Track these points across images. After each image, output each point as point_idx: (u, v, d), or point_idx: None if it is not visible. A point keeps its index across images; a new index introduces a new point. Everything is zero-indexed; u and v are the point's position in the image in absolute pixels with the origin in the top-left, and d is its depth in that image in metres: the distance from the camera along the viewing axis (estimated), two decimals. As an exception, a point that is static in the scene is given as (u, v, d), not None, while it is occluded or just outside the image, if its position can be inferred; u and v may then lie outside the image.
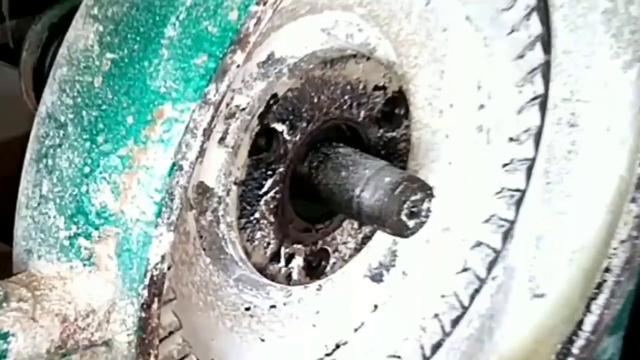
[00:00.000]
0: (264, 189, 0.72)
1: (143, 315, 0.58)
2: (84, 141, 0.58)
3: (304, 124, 0.73)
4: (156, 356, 0.61)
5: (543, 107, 0.91)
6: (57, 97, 0.60)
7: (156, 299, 0.59)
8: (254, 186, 0.71)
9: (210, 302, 0.77)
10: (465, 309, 0.93)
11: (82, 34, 0.60)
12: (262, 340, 0.82)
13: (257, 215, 0.72)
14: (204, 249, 0.74)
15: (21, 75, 0.87)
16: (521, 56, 0.87)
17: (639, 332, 1.05)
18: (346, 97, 0.75)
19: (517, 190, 0.92)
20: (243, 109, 0.70)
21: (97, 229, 0.58)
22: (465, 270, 0.93)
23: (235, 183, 0.70)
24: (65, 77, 0.60)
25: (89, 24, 0.60)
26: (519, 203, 0.91)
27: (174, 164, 0.57)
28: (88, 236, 0.58)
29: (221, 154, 0.70)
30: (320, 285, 0.84)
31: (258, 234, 0.73)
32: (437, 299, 0.92)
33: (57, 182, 0.59)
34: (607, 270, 0.91)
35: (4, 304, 0.56)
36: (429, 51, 0.83)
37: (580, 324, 0.92)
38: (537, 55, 0.88)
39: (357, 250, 0.80)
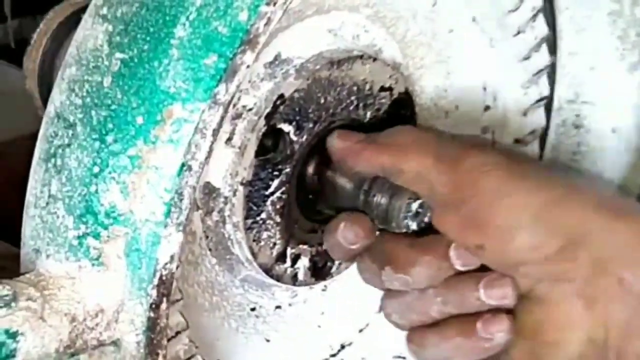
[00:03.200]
0: (271, 190, 0.72)
1: (152, 315, 0.58)
2: (93, 141, 0.58)
3: (311, 125, 0.73)
4: (164, 356, 0.60)
5: (548, 109, 0.91)
6: (66, 97, 0.60)
7: (165, 299, 0.59)
8: (260, 186, 0.71)
9: (216, 302, 0.77)
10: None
11: (91, 33, 0.60)
12: (267, 340, 0.82)
13: (263, 215, 0.72)
14: (210, 249, 0.74)
15: (26, 77, 0.87)
16: (527, 58, 0.88)
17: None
18: (352, 98, 0.75)
19: (522, 191, 0.92)
20: (250, 110, 0.70)
21: (106, 228, 0.58)
22: (470, 271, 0.93)
23: (241, 183, 0.70)
24: (74, 77, 0.60)
25: (98, 23, 0.60)
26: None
27: (183, 164, 0.57)
28: (97, 236, 0.58)
29: (228, 155, 0.70)
30: (325, 286, 0.84)
31: (264, 235, 0.73)
32: (442, 300, 0.92)
33: (66, 181, 0.59)
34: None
35: (13, 304, 0.56)
36: (435, 52, 0.83)
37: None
38: (542, 57, 0.88)
39: (363, 250, 0.80)
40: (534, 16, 0.85)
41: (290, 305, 0.82)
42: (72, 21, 0.85)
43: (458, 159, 0.70)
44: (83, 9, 0.63)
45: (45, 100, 0.64)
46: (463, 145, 0.71)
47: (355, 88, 0.75)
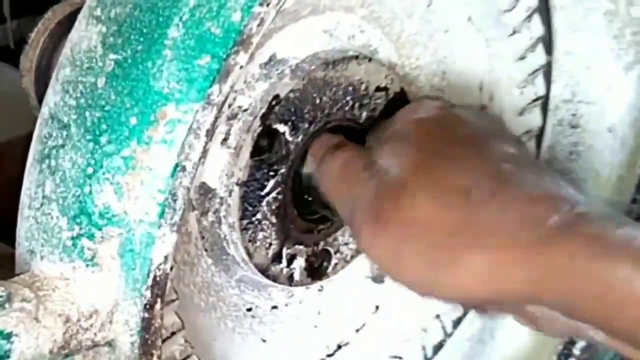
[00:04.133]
0: (266, 190, 0.72)
1: (146, 315, 0.58)
2: (87, 142, 0.58)
3: (306, 125, 0.73)
4: (159, 357, 0.60)
5: (544, 109, 0.91)
6: (60, 98, 0.60)
7: (159, 300, 0.58)
8: (255, 187, 0.71)
9: (212, 302, 0.77)
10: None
11: (85, 35, 0.60)
12: (264, 341, 0.82)
13: (259, 216, 0.72)
14: (206, 250, 0.74)
15: (23, 76, 0.87)
16: (523, 57, 0.88)
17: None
18: (348, 98, 0.75)
19: (519, 191, 0.92)
20: (245, 110, 0.70)
21: (100, 229, 0.58)
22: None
23: (237, 184, 0.70)
24: (68, 78, 0.60)
25: (92, 24, 0.60)
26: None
27: (177, 165, 0.57)
28: (91, 237, 0.58)
29: (223, 155, 0.70)
30: (321, 286, 0.84)
31: (260, 235, 0.73)
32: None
33: (60, 182, 0.59)
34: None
35: (7, 305, 0.56)
36: (431, 52, 0.83)
37: (581, 324, 0.92)
38: (538, 57, 0.88)
39: (359, 251, 0.80)
40: (530, 16, 0.86)
41: (286, 305, 0.82)
42: (71, 21, 0.84)
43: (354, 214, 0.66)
44: (81, 10, 0.63)
45: (41, 100, 0.63)
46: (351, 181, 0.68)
47: (350, 88, 0.75)
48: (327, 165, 0.70)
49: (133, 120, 0.57)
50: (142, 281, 0.58)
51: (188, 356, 0.69)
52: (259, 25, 0.57)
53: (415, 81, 0.83)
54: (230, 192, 0.71)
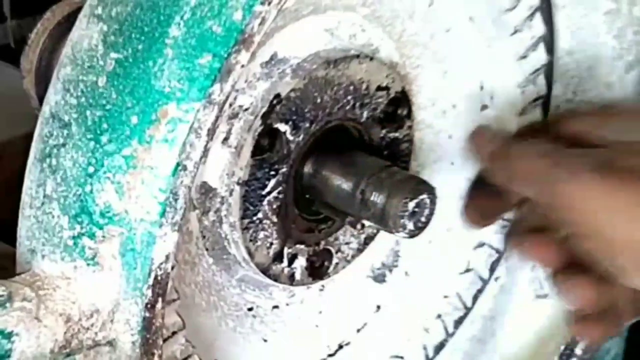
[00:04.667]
0: (267, 189, 0.72)
1: (147, 315, 0.58)
2: (88, 141, 0.58)
3: (307, 124, 0.72)
4: (160, 356, 0.60)
5: (546, 108, 0.91)
6: (61, 97, 0.60)
7: (160, 299, 0.59)
8: (256, 186, 0.71)
9: (213, 302, 0.77)
10: (468, 309, 0.93)
11: (86, 33, 0.60)
12: (265, 340, 0.82)
13: (260, 215, 0.72)
14: (207, 249, 0.74)
15: (24, 77, 0.87)
16: (524, 57, 0.88)
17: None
18: (349, 97, 0.75)
19: (520, 190, 0.92)
20: (246, 109, 0.70)
21: (101, 228, 0.58)
22: (468, 270, 0.93)
23: (238, 183, 0.70)
24: (69, 77, 0.60)
25: (93, 23, 0.60)
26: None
27: (178, 164, 0.57)
28: (92, 236, 0.58)
29: (224, 154, 0.70)
30: (323, 286, 0.84)
31: (261, 234, 0.73)
32: (440, 300, 0.92)
33: (61, 181, 0.59)
34: (609, 270, 0.90)
35: (8, 304, 0.56)
36: (432, 52, 0.83)
37: (583, 324, 0.92)
38: (540, 56, 0.88)
39: (360, 250, 0.80)
40: (531, 15, 0.86)
41: (287, 305, 0.82)
42: (70, 21, 0.84)
43: (553, 180, 0.73)
44: (81, 9, 0.63)
45: (42, 100, 0.64)
46: (554, 159, 0.74)
47: (351, 87, 0.75)
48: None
49: (134, 119, 0.57)
50: (143, 280, 0.58)
51: (189, 356, 0.69)
52: (260, 24, 0.57)
53: (416, 80, 0.83)
54: (231, 192, 0.71)
